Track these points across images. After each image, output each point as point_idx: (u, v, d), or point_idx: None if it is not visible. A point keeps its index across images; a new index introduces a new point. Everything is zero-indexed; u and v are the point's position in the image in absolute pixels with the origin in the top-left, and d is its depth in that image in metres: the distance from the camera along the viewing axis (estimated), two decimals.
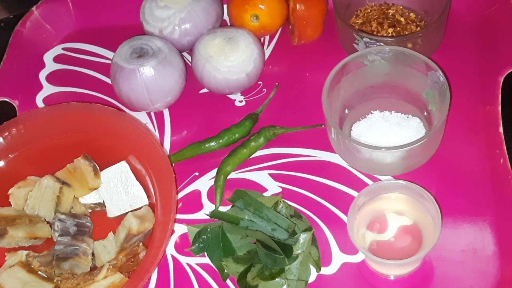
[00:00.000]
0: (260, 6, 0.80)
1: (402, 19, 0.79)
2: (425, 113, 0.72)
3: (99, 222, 0.74)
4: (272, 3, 0.81)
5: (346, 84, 0.71)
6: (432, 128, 0.68)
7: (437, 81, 0.67)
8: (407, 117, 0.71)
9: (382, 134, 0.70)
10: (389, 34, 0.77)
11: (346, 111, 0.73)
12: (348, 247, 0.68)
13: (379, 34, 0.77)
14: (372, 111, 0.73)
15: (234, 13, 0.82)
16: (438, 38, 0.79)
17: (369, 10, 0.81)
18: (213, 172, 0.75)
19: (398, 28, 0.78)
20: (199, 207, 0.74)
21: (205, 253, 0.69)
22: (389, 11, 0.80)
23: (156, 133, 0.80)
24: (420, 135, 0.69)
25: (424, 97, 0.71)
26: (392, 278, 0.66)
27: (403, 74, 0.71)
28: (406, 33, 0.77)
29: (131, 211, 0.71)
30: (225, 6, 0.86)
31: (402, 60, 0.70)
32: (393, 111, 0.72)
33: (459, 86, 0.75)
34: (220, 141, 0.76)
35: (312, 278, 0.66)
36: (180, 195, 0.75)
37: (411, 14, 0.80)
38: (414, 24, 0.78)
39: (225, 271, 0.67)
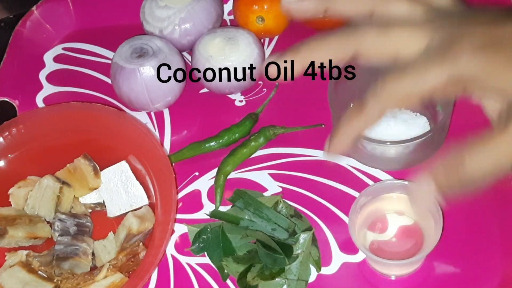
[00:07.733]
0: (268, 9, 0.80)
1: None
2: (432, 113, 0.71)
3: (99, 222, 0.74)
4: (279, 8, 0.81)
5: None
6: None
7: None
8: (416, 115, 0.71)
9: (388, 130, 0.69)
10: None
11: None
12: (348, 247, 0.68)
13: None
14: None
15: (240, 11, 0.82)
16: None
17: None
18: (213, 172, 0.75)
19: None
20: (199, 207, 0.73)
21: (205, 253, 0.69)
22: None
23: (156, 133, 0.80)
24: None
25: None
26: (393, 278, 0.66)
27: None
28: None
29: (131, 211, 0.71)
30: (225, 5, 0.86)
31: None
32: (402, 108, 0.71)
33: None
34: (220, 141, 0.76)
35: (312, 278, 0.66)
36: (180, 195, 0.74)
37: None
38: None
39: (225, 271, 0.67)
